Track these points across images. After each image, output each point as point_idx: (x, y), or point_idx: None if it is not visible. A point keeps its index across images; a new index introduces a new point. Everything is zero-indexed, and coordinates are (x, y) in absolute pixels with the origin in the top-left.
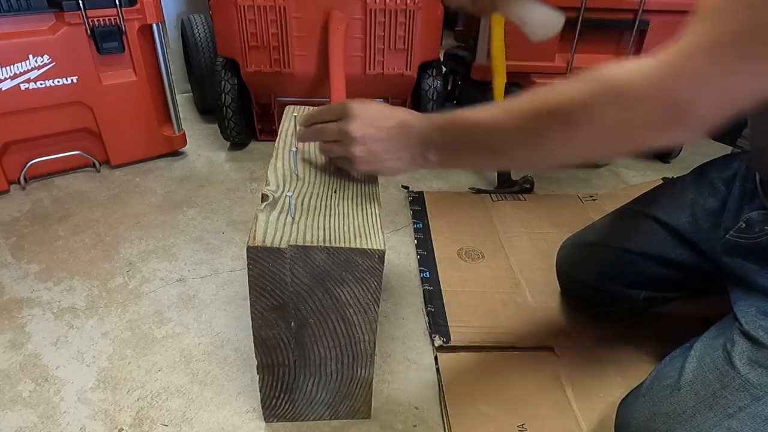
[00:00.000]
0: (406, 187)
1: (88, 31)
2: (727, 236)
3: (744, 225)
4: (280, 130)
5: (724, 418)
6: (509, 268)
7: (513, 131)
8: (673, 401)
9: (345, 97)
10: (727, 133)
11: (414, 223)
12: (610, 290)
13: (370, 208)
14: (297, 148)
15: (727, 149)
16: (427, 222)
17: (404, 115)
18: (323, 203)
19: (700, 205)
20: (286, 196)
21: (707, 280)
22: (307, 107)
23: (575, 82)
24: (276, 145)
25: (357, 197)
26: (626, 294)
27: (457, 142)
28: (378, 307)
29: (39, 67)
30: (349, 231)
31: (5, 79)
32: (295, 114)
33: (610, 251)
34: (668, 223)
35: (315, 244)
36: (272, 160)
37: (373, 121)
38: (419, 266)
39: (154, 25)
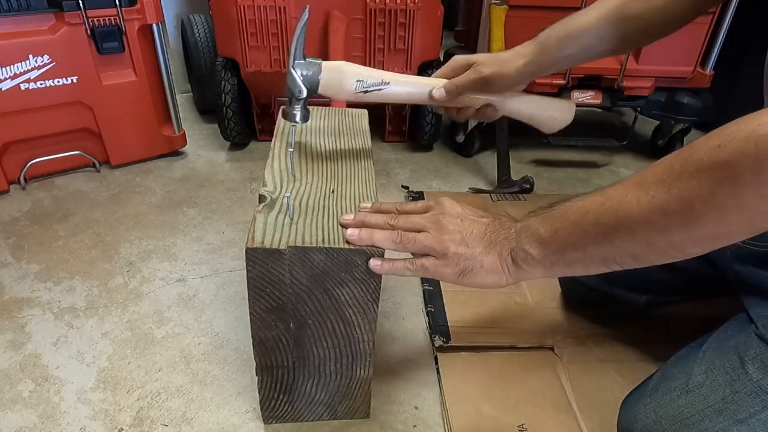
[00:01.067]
0: (406, 187)
1: (88, 31)
2: (739, 243)
3: None
4: (276, 131)
5: (734, 423)
6: None
7: (656, 208)
8: (680, 404)
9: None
10: None
11: None
12: (611, 293)
13: None
14: (293, 148)
15: None
16: None
17: (498, 212)
18: (321, 204)
19: None
20: (284, 197)
21: (709, 283)
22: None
23: (725, 136)
24: (272, 145)
25: (355, 197)
26: (627, 297)
27: (566, 231)
28: (377, 307)
29: (39, 67)
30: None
31: (5, 79)
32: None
33: None
34: None
35: (314, 244)
36: (269, 161)
37: (466, 211)
38: None
39: (154, 25)
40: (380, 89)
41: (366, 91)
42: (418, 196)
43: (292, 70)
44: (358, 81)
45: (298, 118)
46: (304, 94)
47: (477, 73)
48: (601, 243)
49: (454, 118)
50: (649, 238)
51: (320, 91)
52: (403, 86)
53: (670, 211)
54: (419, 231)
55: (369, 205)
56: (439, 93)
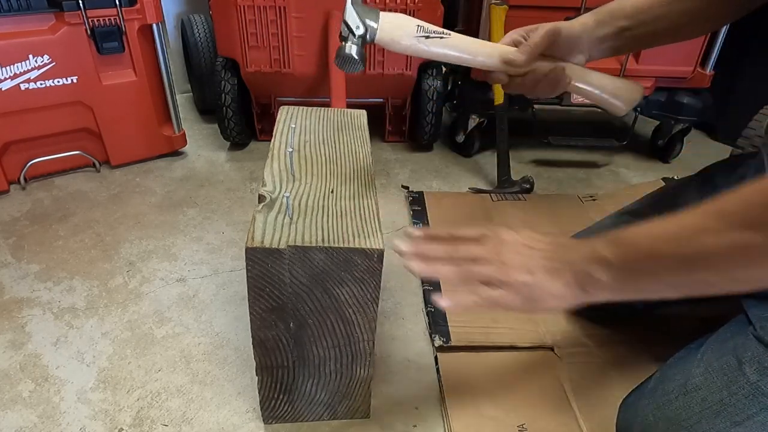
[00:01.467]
0: (406, 187)
1: (88, 31)
2: None
3: None
4: (275, 131)
5: (731, 425)
6: None
7: (738, 245)
8: (678, 405)
9: (345, 97)
10: (728, 132)
11: (414, 223)
12: None
13: (369, 208)
14: (293, 148)
15: (727, 149)
16: (427, 222)
17: (560, 234)
18: (321, 203)
19: None
20: (283, 196)
21: None
22: (305, 107)
23: None
24: (272, 145)
25: (354, 197)
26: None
27: (638, 258)
28: (377, 306)
29: (39, 67)
30: (347, 231)
31: (5, 79)
32: (291, 114)
33: None
34: None
35: (313, 244)
36: (268, 161)
37: (525, 238)
38: None
39: (154, 25)
40: (442, 37)
41: (427, 36)
42: (418, 196)
43: (351, 6)
44: (418, 26)
45: (356, 54)
46: (362, 31)
47: (546, 28)
48: (676, 273)
49: (519, 89)
50: (729, 273)
51: (378, 36)
52: (467, 42)
53: (753, 248)
54: (479, 261)
55: (420, 233)
56: (517, 56)
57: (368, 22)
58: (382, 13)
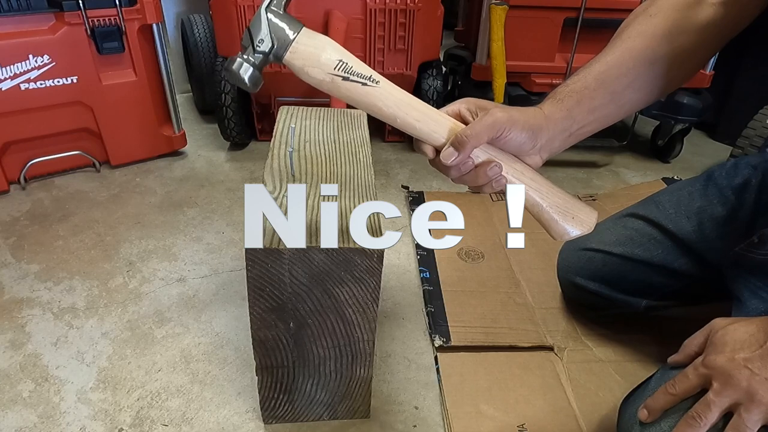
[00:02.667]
0: (406, 187)
1: (88, 31)
2: (736, 249)
3: (757, 240)
4: (275, 131)
5: None
6: (509, 268)
7: None
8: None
9: None
10: (728, 132)
11: None
12: (612, 297)
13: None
14: (293, 148)
15: (727, 149)
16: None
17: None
18: (320, 203)
19: (707, 213)
20: (283, 196)
21: (710, 289)
22: (305, 107)
23: None
24: (272, 145)
25: (354, 197)
26: (628, 301)
27: None
28: (377, 306)
29: (39, 67)
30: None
31: (5, 79)
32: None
33: (611, 258)
34: (673, 231)
35: (313, 244)
36: (268, 161)
37: (741, 347)
38: (419, 266)
39: (154, 25)
40: (364, 84)
41: (346, 78)
42: (418, 196)
43: (264, 12)
44: (341, 61)
45: (246, 76)
46: (268, 46)
47: (495, 117)
48: None
49: (443, 171)
50: None
51: (287, 57)
52: (397, 99)
53: None
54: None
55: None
56: (448, 156)
57: (280, 36)
58: (305, 30)
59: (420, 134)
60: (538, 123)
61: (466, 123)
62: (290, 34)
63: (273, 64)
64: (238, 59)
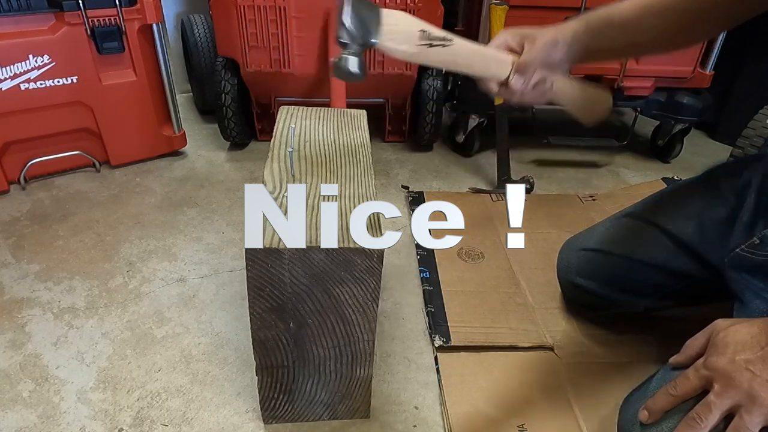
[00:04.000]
0: (406, 187)
1: (88, 31)
2: (737, 250)
3: (758, 241)
4: (275, 131)
5: None
6: (509, 268)
7: None
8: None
9: (345, 97)
10: (728, 132)
11: None
12: (612, 298)
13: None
14: (293, 148)
15: (727, 149)
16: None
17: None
18: (320, 203)
19: (707, 215)
20: (283, 196)
21: (709, 289)
22: (305, 107)
23: None
24: (272, 145)
25: (355, 197)
26: (627, 302)
27: None
28: (377, 306)
29: (39, 67)
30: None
31: (5, 79)
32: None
33: (611, 259)
34: (673, 233)
35: (313, 244)
36: (268, 161)
37: (747, 351)
38: (419, 266)
39: (154, 25)
40: (444, 45)
41: (431, 45)
42: (418, 196)
43: (349, 4)
44: (421, 30)
45: (357, 68)
46: (361, 36)
47: (546, 39)
48: None
49: (510, 96)
50: None
51: (380, 38)
52: (469, 51)
53: None
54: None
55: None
56: (516, 82)
57: (368, 18)
58: (384, 12)
59: (491, 74)
60: (569, 40)
61: (514, 51)
62: (374, 19)
63: (272, 63)
64: (344, 57)
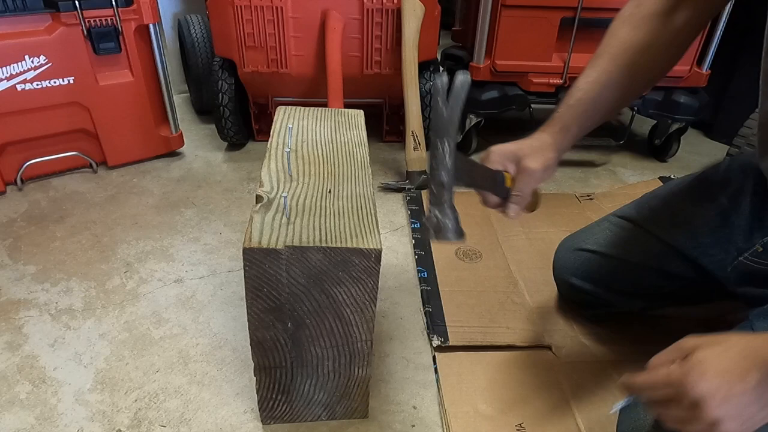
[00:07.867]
0: (405, 188)
1: (85, 32)
2: (740, 258)
3: (761, 249)
4: (272, 131)
5: None
6: (507, 268)
7: None
8: None
9: (342, 97)
10: (725, 131)
11: (412, 222)
12: (608, 298)
13: (366, 208)
14: (291, 148)
15: (724, 147)
16: (425, 222)
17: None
18: (318, 203)
19: (701, 221)
20: (281, 197)
21: (704, 291)
22: (302, 107)
23: None
24: (269, 145)
25: (352, 197)
26: (623, 301)
27: None
28: (375, 306)
29: (35, 68)
30: (345, 231)
31: (1, 79)
32: (288, 114)
33: (607, 260)
34: (667, 240)
35: (311, 244)
36: (265, 161)
37: (727, 376)
38: (417, 266)
39: (151, 26)
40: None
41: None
42: (416, 195)
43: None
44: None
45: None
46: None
47: (544, 164)
48: None
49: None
50: None
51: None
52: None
53: None
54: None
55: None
56: (514, 212)
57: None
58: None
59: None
60: (553, 155)
61: (508, 168)
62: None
63: (269, 64)
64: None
